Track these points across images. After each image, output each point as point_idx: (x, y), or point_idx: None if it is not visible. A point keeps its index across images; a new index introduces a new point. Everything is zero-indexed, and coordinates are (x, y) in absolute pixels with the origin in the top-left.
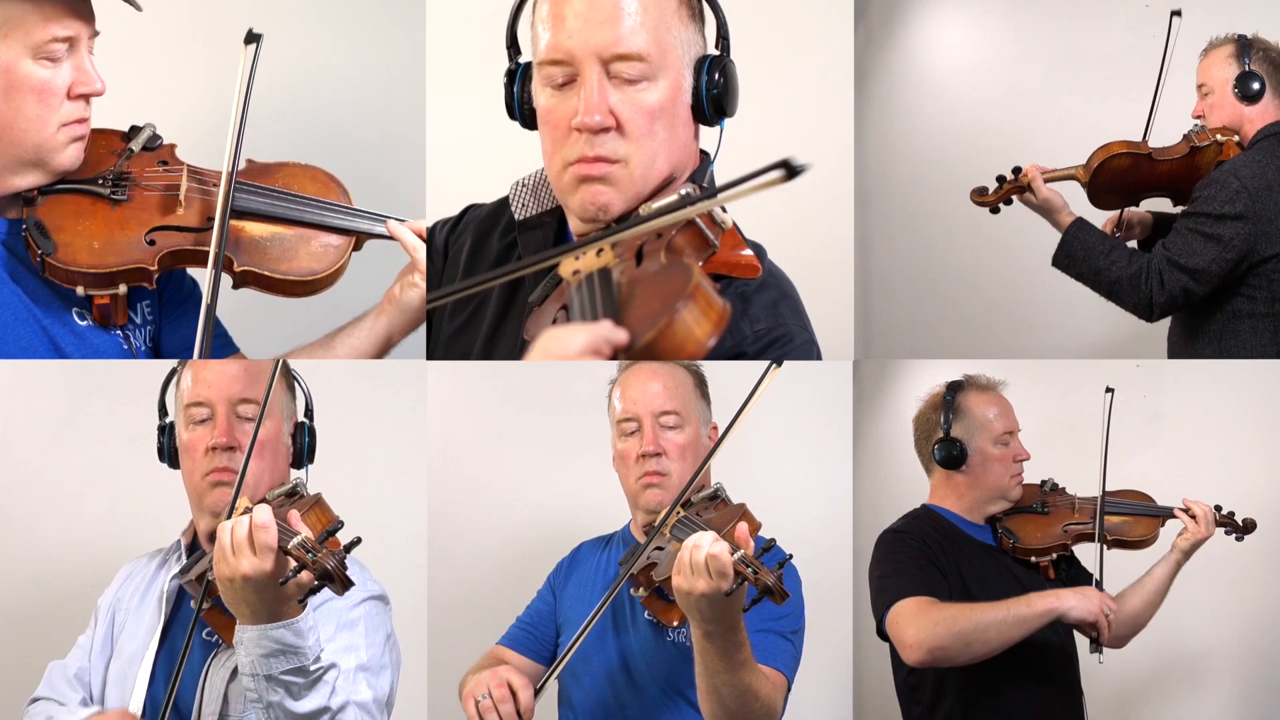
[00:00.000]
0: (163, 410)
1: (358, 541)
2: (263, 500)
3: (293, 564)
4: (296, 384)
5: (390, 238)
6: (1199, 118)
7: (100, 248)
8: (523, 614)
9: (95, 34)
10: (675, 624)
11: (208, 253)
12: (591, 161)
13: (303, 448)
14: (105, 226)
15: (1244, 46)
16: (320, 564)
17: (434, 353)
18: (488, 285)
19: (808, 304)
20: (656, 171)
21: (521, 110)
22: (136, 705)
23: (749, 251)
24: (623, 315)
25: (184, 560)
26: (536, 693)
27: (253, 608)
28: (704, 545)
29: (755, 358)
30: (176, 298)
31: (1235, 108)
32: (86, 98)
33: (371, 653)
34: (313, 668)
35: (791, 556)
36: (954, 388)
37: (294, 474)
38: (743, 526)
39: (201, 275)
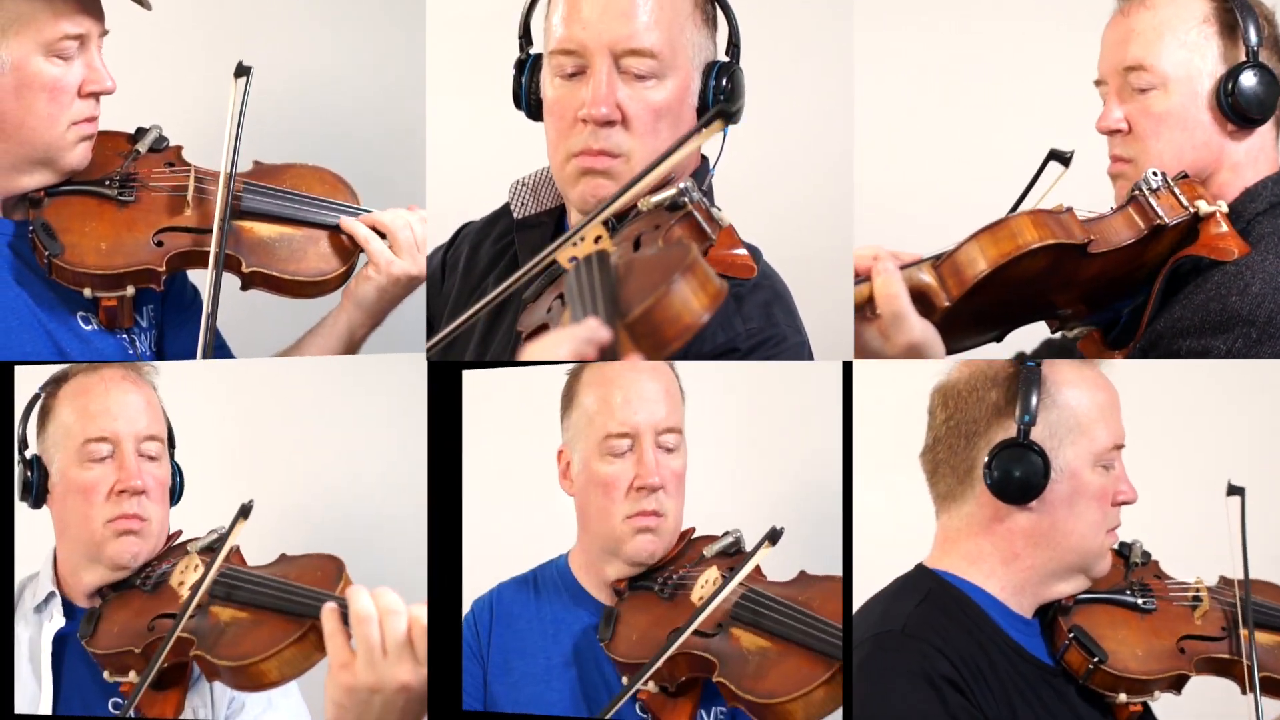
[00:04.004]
0: (24, 442)
1: None
2: (185, 552)
3: None
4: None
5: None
6: (1112, 132)
7: (108, 249)
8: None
9: (105, 32)
10: None
11: (218, 254)
12: (595, 154)
13: (178, 485)
14: (113, 228)
15: (1242, 6)
16: None
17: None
18: (492, 301)
19: (806, 304)
20: (658, 170)
21: (528, 101)
22: None
23: (744, 251)
24: (620, 292)
25: (63, 618)
26: None
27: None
28: None
29: (747, 355)
30: (179, 303)
31: (1211, 133)
32: (97, 96)
33: None
34: None
35: None
36: (1030, 355)
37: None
38: None
39: (203, 278)
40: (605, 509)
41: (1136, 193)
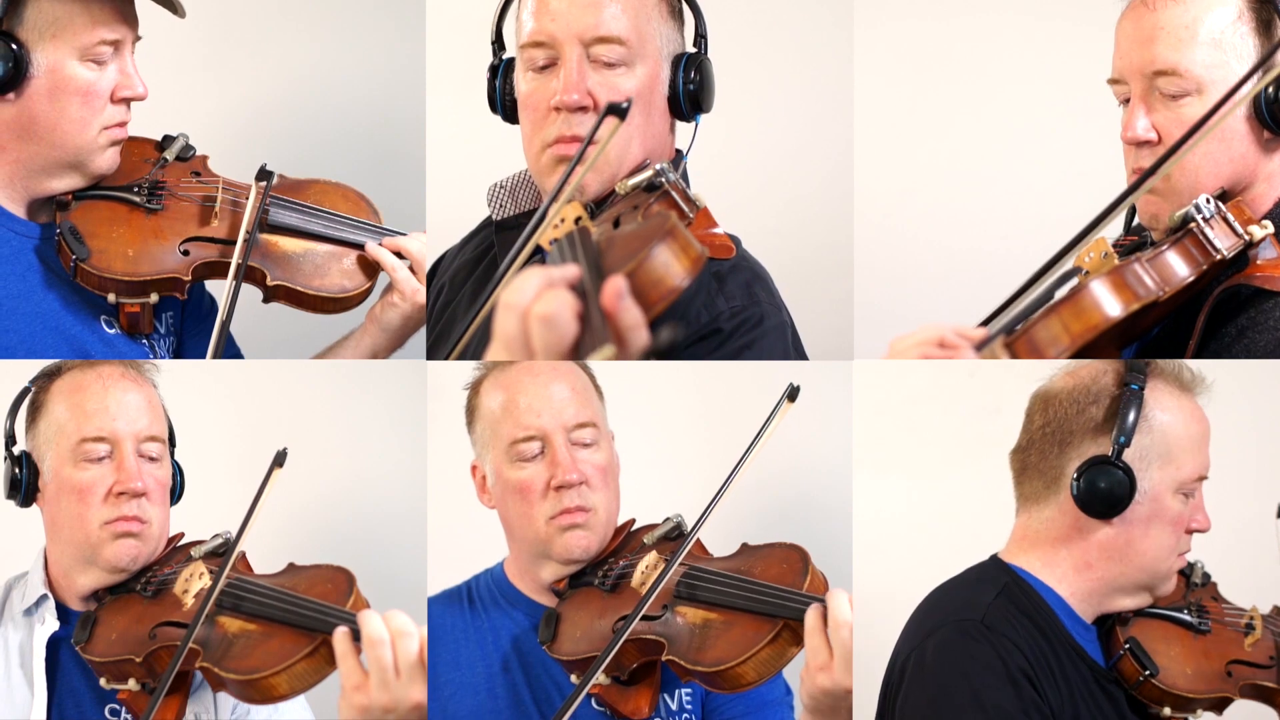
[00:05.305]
0: (11, 438)
1: None
2: (187, 556)
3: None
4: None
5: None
6: (1140, 144)
7: (134, 256)
8: None
9: (139, 38)
10: (646, 717)
11: (239, 265)
12: (569, 141)
13: (178, 485)
14: (140, 235)
15: None
16: None
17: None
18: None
19: (806, 304)
20: (631, 155)
21: (503, 103)
22: None
23: (721, 231)
24: (603, 262)
25: (57, 622)
26: None
27: None
28: (849, 617)
29: (730, 335)
30: (198, 312)
31: (1247, 144)
32: (128, 101)
33: None
34: None
35: None
36: (1135, 371)
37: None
38: None
39: (223, 288)
40: (525, 514)
41: (1192, 224)
